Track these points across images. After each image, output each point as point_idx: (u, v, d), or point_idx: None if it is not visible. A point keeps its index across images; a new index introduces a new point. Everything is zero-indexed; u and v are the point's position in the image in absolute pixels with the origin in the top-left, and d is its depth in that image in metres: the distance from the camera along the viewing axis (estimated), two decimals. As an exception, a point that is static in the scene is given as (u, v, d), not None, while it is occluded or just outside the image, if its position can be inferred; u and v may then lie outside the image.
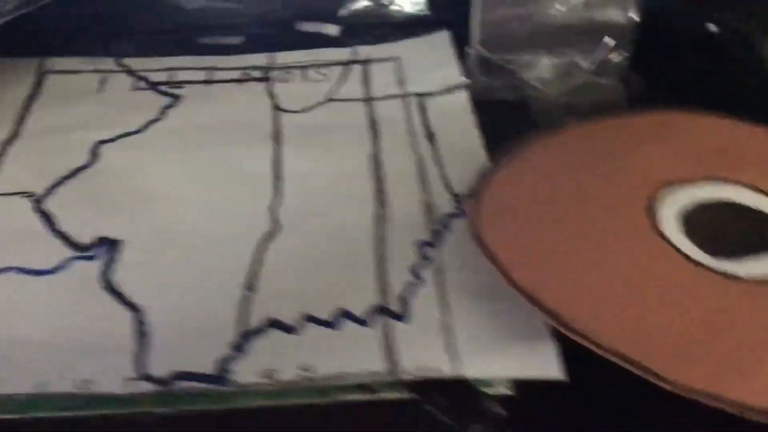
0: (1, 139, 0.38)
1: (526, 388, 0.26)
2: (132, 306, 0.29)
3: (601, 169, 0.32)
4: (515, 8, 0.41)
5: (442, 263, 0.31)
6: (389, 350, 0.27)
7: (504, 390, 0.26)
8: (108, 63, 0.44)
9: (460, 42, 0.44)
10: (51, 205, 0.34)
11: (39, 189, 0.35)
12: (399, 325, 0.29)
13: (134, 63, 0.44)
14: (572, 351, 0.26)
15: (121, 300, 0.30)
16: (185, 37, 0.46)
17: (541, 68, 0.41)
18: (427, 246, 0.32)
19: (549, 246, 0.28)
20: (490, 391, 0.26)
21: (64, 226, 0.33)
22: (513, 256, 0.27)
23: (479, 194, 0.31)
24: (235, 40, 0.46)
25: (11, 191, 0.35)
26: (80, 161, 0.37)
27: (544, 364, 0.27)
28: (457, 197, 0.34)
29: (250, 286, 0.30)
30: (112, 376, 0.26)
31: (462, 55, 0.44)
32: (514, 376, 0.26)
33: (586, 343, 0.24)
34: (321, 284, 0.30)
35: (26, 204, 0.34)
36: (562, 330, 0.25)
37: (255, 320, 0.29)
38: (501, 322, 0.28)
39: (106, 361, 0.27)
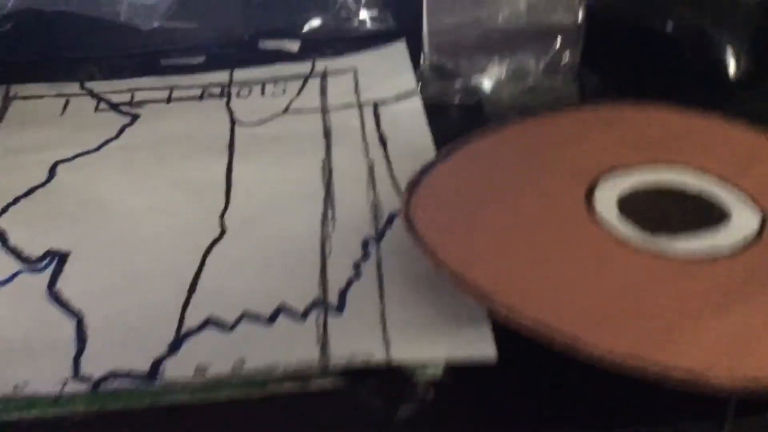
0: (-38, 165, 0.39)
1: (457, 372, 0.26)
2: (74, 313, 0.30)
3: (542, 159, 0.32)
4: (463, 15, 0.41)
5: (382, 257, 0.31)
6: (324, 341, 0.27)
7: (435, 373, 0.26)
8: (72, 87, 0.45)
9: (418, 51, 0.45)
10: (5, 222, 0.35)
11: (-5, 209, 0.36)
12: (335, 318, 0.29)
13: (97, 86, 0.45)
14: (507, 336, 0.26)
15: (64, 308, 0.30)
16: (148, 60, 0.47)
17: (493, 72, 0.42)
18: (370, 243, 0.32)
19: (480, 229, 0.28)
20: (421, 374, 0.26)
21: (16, 241, 0.34)
22: (441, 238, 0.27)
23: (417, 184, 0.31)
24: (197, 60, 0.47)
25: (-34, 214, 0.36)
26: (36, 180, 0.37)
27: (477, 345, 0.27)
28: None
29: (193, 288, 0.31)
30: (48, 378, 0.27)
31: (418, 63, 0.44)
32: (445, 357, 0.26)
33: (502, 314, 0.24)
34: (263, 283, 0.31)
35: (-20, 225, 0.35)
36: (481, 303, 0.25)
37: (193, 320, 0.29)
38: (436, 307, 0.28)
39: (45, 365, 0.27)
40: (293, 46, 0.48)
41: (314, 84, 0.45)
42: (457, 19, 0.42)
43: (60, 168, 0.38)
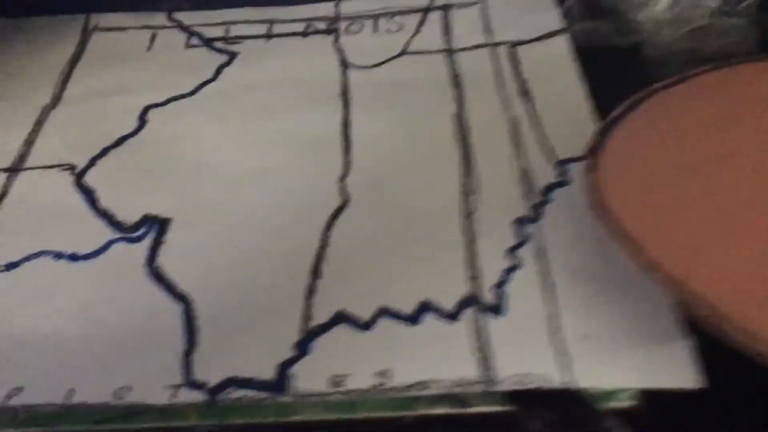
0: (40, 105, 0.34)
1: (653, 397, 0.21)
2: (181, 297, 0.25)
3: (747, 125, 0.26)
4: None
5: (543, 243, 0.26)
6: (482, 352, 0.22)
7: (626, 402, 0.21)
8: (159, 18, 0.40)
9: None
10: (93, 178, 0.30)
11: (80, 161, 0.31)
12: (494, 321, 0.23)
13: (187, 17, 0.39)
14: (709, 349, 0.21)
15: (168, 289, 0.25)
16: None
17: (657, 7, 0.35)
18: (526, 222, 0.26)
19: (691, 221, 0.22)
20: (609, 404, 0.21)
21: (107, 202, 0.29)
22: (646, 232, 0.21)
23: (596, 156, 0.25)
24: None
25: (49, 164, 0.31)
26: (126, 128, 0.33)
27: (678, 370, 0.21)
28: (560, 164, 0.29)
29: (316, 271, 0.26)
30: (154, 383, 0.22)
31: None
32: (640, 386, 0.21)
33: (739, 341, 0.18)
34: (398, 269, 0.26)
35: (66, 178, 0.30)
36: (728, 331, 0.19)
37: (321, 313, 0.24)
38: (620, 316, 0.23)
39: (149, 364, 0.23)
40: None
41: (435, 19, 0.38)
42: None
43: (151, 114, 0.33)
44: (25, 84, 0.36)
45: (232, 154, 0.31)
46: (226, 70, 0.36)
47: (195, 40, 0.38)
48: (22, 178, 0.31)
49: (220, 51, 0.37)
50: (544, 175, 0.28)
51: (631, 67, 0.34)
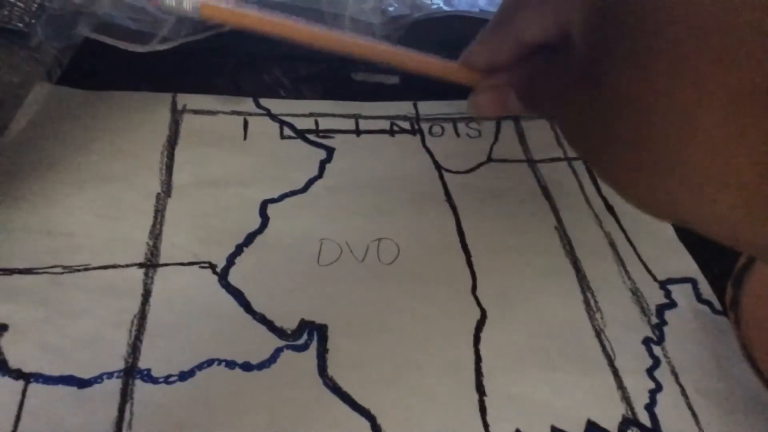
0: (153, 192, 0.35)
1: None
2: (364, 411, 0.27)
3: None
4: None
5: (673, 365, 0.30)
6: (657, 473, 0.26)
7: None
8: (246, 104, 0.41)
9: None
10: (235, 278, 0.31)
11: (216, 258, 0.32)
12: (657, 442, 0.27)
13: (274, 106, 0.41)
14: None
15: (349, 403, 0.27)
16: (338, 71, 0.43)
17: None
18: (651, 343, 0.30)
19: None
20: None
21: (259, 305, 0.30)
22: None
23: (739, 300, 0.29)
24: (391, 80, 0.43)
25: (185, 260, 0.32)
26: (250, 224, 0.34)
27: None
28: (662, 284, 0.33)
29: (481, 388, 0.28)
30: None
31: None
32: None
33: None
34: (554, 386, 0.29)
35: (209, 277, 0.31)
36: None
37: (500, 430, 0.27)
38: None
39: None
40: (389, 80, 0.44)
41: (509, 128, 0.42)
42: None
43: (270, 210, 0.35)
44: (126, 163, 0.36)
45: (353, 253, 0.33)
46: (329, 166, 0.38)
47: (288, 131, 0.39)
48: (162, 275, 0.31)
49: (316, 145, 0.39)
50: (653, 295, 0.32)
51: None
